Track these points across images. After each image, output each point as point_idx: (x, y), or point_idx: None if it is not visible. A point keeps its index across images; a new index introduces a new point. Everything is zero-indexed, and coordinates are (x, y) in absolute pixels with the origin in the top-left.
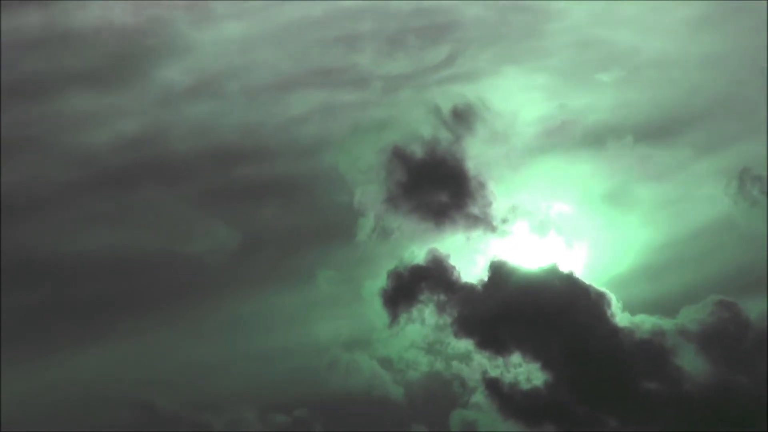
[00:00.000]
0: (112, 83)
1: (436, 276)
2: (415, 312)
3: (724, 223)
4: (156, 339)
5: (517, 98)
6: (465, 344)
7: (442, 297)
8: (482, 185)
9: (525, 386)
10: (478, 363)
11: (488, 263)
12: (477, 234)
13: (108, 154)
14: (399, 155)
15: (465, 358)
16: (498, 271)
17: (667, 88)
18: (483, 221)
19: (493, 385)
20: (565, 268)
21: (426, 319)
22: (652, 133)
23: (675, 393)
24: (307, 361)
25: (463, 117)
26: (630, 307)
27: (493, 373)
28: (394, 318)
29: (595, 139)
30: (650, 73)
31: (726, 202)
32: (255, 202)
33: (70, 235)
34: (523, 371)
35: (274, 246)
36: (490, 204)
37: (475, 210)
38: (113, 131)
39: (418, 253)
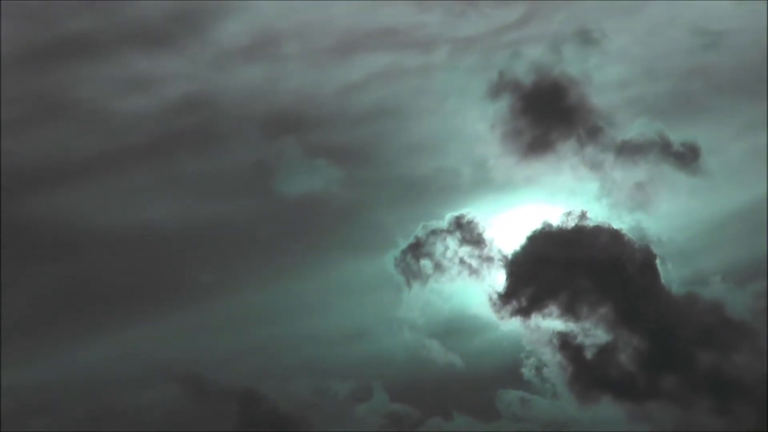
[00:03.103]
0: (165, 43)
1: (467, 239)
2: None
3: None
4: (203, 315)
5: (591, 61)
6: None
7: (481, 260)
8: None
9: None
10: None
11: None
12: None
13: (155, 119)
14: (507, 85)
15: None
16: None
17: (744, 54)
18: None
19: (564, 348)
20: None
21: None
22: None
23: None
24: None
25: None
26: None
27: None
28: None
29: (670, 102)
30: (735, 37)
31: None
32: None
33: (118, 205)
34: (584, 337)
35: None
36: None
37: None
38: (162, 95)
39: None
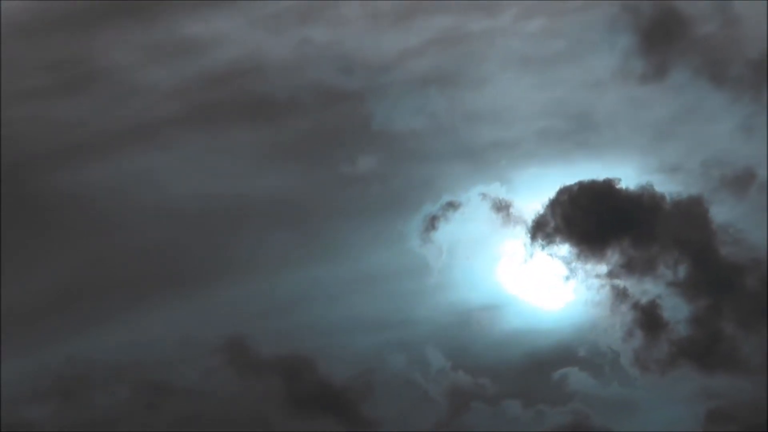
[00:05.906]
0: (215, 4)
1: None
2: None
3: None
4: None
5: None
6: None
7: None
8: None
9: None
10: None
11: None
12: None
13: (203, 86)
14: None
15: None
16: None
17: None
18: None
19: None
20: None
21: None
22: None
23: None
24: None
25: None
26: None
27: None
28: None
29: None
30: None
31: None
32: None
33: (166, 177)
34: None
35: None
36: None
37: None
38: (213, 58)
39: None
